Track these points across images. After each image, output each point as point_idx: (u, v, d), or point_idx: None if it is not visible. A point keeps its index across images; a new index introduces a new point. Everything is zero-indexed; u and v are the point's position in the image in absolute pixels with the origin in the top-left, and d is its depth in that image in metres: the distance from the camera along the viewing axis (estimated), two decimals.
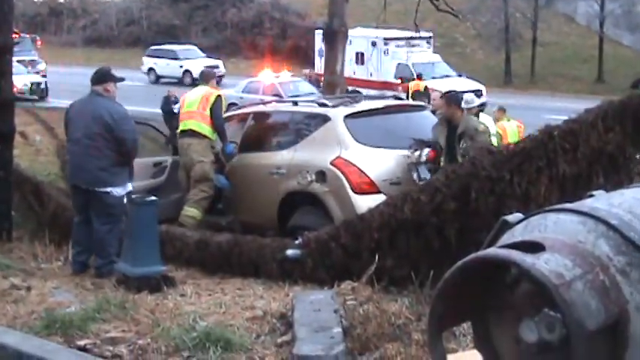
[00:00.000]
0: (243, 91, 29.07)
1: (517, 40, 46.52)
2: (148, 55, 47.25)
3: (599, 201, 2.14)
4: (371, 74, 33.19)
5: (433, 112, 11.93)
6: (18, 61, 23.48)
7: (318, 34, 33.36)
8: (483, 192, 6.54)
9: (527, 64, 45.89)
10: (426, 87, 25.62)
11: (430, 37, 36.10)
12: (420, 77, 29.26)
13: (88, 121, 8.08)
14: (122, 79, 8.58)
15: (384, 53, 33.26)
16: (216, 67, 37.63)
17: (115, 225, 8.16)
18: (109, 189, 8.02)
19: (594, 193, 2.27)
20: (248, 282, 7.54)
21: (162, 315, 5.98)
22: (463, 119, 9.83)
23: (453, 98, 10.33)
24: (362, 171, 8.91)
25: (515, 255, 1.83)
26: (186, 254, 8.45)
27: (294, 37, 52.28)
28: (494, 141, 11.32)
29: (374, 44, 33.21)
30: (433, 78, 30.19)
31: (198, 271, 8.16)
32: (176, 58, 45.80)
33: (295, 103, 10.80)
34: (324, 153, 9.14)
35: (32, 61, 37.46)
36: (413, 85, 27.79)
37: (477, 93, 25.42)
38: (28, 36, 41.16)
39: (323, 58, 31.18)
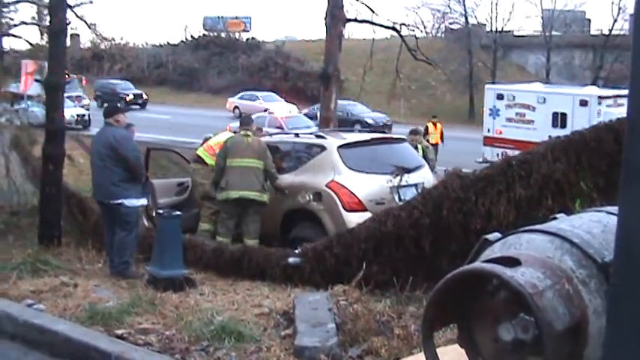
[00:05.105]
0: None
1: (479, 85, 46.40)
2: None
3: (563, 223, 2.12)
4: None
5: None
6: (67, 97, 23.47)
7: (489, 91, 25.92)
8: (453, 210, 6.53)
9: None
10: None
11: None
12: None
13: (100, 147, 8.14)
14: (127, 109, 8.60)
15: (597, 114, 21.74)
16: None
17: (132, 231, 8.13)
18: (121, 200, 7.99)
19: (557, 216, 2.26)
20: (256, 284, 7.48)
21: (185, 310, 5.95)
22: None
23: None
24: (352, 192, 8.88)
25: (497, 268, 1.81)
26: (204, 260, 8.38)
27: (294, 79, 52.41)
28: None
29: (584, 103, 22.74)
30: None
31: (214, 274, 8.08)
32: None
33: (297, 135, 10.74)
34: (321, 177, 9.10)
35: (78, 96, 37.57)
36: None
37: None
38: (75, 76, 41.12)
39: (497, 119, 24.85)
